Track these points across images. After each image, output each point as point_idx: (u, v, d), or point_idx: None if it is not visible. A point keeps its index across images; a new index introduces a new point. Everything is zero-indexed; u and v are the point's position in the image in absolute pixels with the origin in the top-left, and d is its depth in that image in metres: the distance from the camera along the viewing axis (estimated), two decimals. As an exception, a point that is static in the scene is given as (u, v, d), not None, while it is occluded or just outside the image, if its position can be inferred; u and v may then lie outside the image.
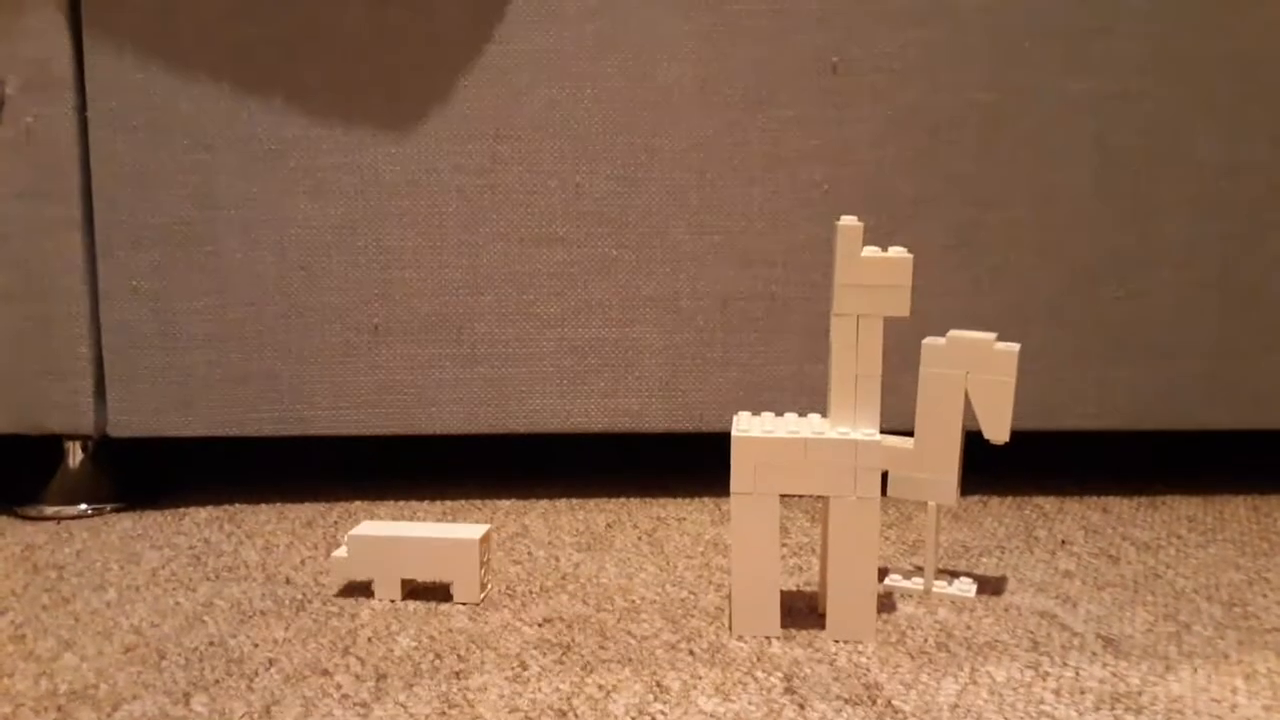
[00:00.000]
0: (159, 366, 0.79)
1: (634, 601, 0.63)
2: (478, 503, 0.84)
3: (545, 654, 0.56)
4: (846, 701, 0.51)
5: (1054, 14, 0.77)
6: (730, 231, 0.79)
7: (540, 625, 0.60)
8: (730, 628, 0.59)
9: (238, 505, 0.83)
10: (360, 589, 0.65)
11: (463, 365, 0.80)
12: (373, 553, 0.63)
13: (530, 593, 0.65)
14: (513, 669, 0.54)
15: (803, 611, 0.61)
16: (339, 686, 0.53)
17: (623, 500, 0.84)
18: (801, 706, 0.50)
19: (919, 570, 0.68)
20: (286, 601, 0.63)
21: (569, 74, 0.78)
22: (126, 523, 0.79)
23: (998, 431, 0.62)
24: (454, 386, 0.80)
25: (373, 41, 0.77)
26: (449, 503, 0.84)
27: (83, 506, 0.82)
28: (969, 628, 0.59)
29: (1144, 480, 0.89)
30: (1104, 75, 0.78)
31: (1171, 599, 0.64)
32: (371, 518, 0.80)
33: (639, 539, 0.75)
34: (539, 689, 0.52)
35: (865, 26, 0.77)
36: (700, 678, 0.53)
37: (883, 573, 0.67)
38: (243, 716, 0.50)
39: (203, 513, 0.81)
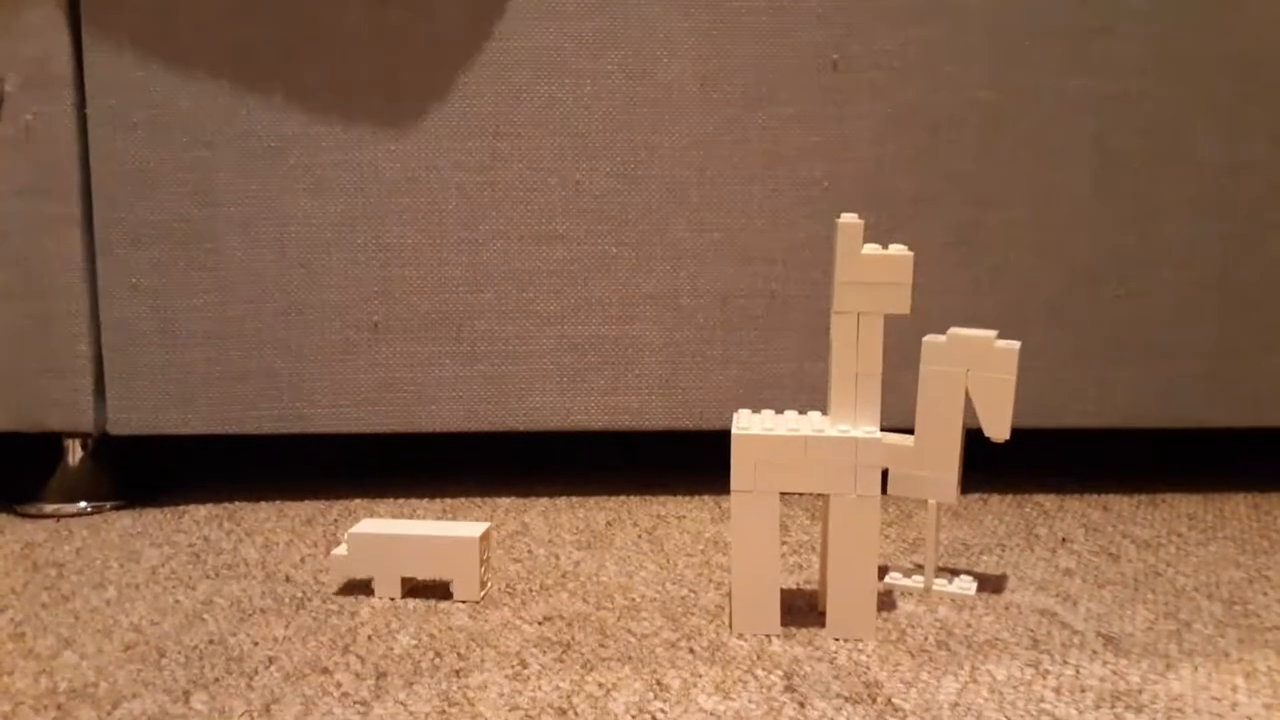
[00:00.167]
0: (159, 364, 0.79)
1: (634, 599, 0.63)
2: (477, 500, 0.84)
3: (545, 652, 0.56)
4: (846, 700, 0.51)
5: (1054, 13, 0.77)
6: (730, 229, 0.79)
7: (540, 623, 0.60)
8: (730, 625, 0.59)
9: (237, 503, 0.83)
10: (360, 587, 0.65)
11: (463, 363, 0.80)
12: (373, 551, 0.63)
13: (530, 591, 0.65)
14: (513, 667, 0.54)
15: (803, 609, 0.61)
16: (339, 684, 0.53)
17: (623, 498, 0.84)
18: (801, 705, 0.50)
19: (919, 568, 0.68)
20: (286, 599, 0.63)
21: (569, 71, 0.77)
22: (126, 520, 0.79)
23: (998, 429, 0.62)
24: (454, 384, 0.80)
25: (372, 39, 0.77)
26: (449, 500, 0.84)
27: (82, 504, 0.82)
28: (969, 626, 0.59)
29: (1144, 478, 0.89)
30: (1104, 75, 0.78)
31: (1172, 597, 0.64)
32: (371, 515, 0.80)
33: (639, 537, 0.75)
34: (539, 687, 0.52)
35: (865, 24, 0.77)
36: (700, 676, 0.53)
37: (883, 570, 0.67)
38: (242, 714, 0.49)
39: (202, 510, 0.81)
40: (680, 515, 0.80)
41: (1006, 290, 0.80)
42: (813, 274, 0.80)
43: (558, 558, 0.70)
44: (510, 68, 0.77)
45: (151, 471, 0.88)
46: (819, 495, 0.85)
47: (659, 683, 0.52)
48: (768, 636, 0.58)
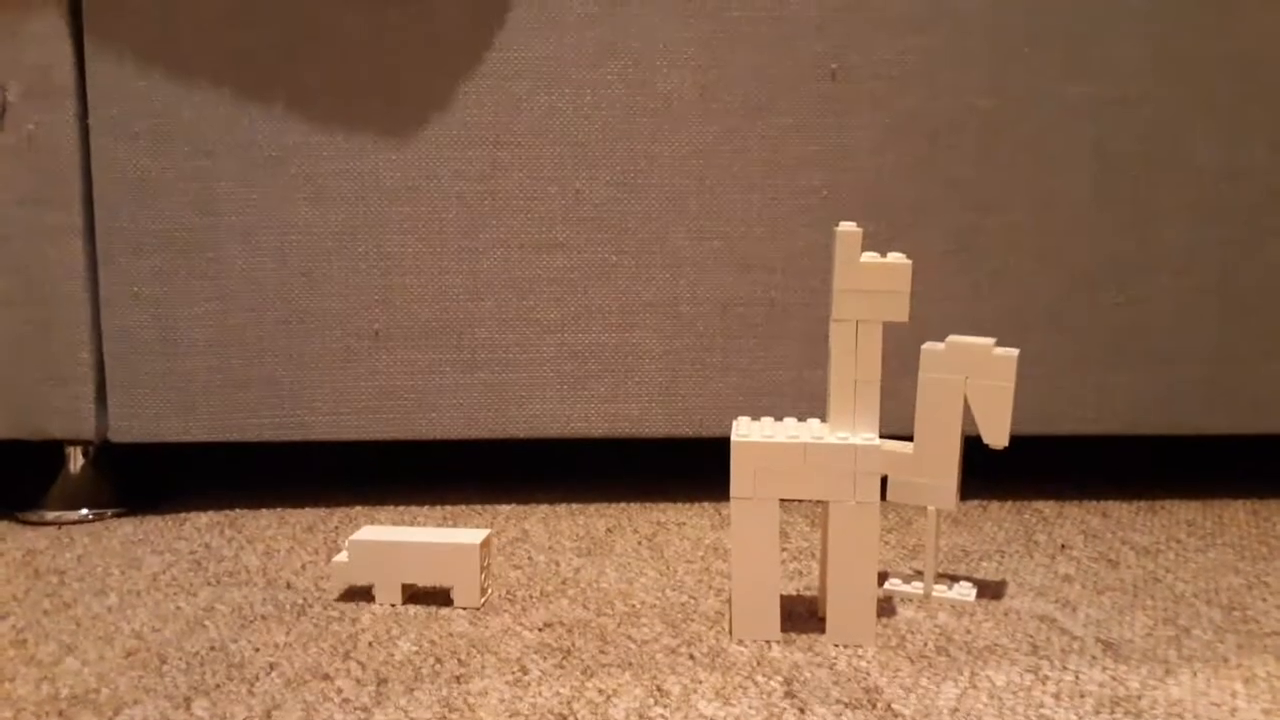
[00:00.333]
0: (160, 372, 0.79)
1: (634, 606, 0.63)
2: (478, 507, 0.84)
3: (545, 658, 0.56)
4: (847, 705, 0.51)
5: (1052, 19, 0.78)
6: (730, 237, 0.79)
7: (540, 630, 0.60)
8: (730, 632, 0.59)
9: (238, 510, 0.83)
10: (361, 594, 0.65)
11: (463, 370, 0.80)
12: (373, 557, 0.63)
13: (530, 597, 0.65)
14: (513, 673, 0.54)
15: (802, 616, 0.62)
16: (340, 691, 0.53)
17: (623, 505, 0.84)
18: (801, 710, 0.50)
19: (919, 574, 0.68)
20: (287, 606, 0.63)
21: (569, 81, 0.78)
22: (127, 528, 0.79)
23: (997, 436, 0.62)
24: (454, 391, 0.81)
25: (373, 48, 0.77)
26: (449, 507, 0.84)
27: (84, 511, 0.82)
28: (969, 632, 0.59)
29: (1143, 485, 0.89)
30: (1102, 80, 0.78)
31: (1171, 603, 0.64)
32: (372, 522, 0.80)
33: (639, 544, 0.75)
34: (539, 693, 0.52)
35: (864, 33, 0.78)
36: (700, 682, 0.53)
37: (883, 577, 0.67)
38: (244, 721, 0.50)
39: (203, 518, 0.81)
40: (680, 522, 0.80)
41: (1006, 297, 0.80)
42: (812, 282, 0.80)
43: (558, 564, 0.70)
44: (510, 77, 0.78)
45: (153, 479, 0.88)
46: (818, 502, 0.85)
47: (659, 689, 0.53)
48: (767, 643, 0.58)
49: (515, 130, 0.78)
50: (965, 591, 0.64)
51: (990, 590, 0.66)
